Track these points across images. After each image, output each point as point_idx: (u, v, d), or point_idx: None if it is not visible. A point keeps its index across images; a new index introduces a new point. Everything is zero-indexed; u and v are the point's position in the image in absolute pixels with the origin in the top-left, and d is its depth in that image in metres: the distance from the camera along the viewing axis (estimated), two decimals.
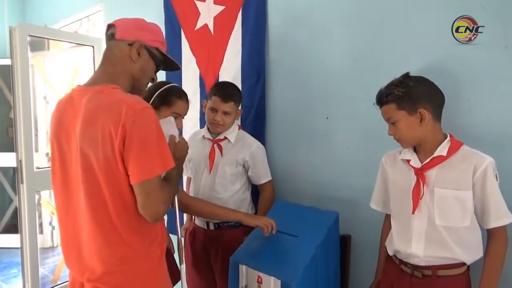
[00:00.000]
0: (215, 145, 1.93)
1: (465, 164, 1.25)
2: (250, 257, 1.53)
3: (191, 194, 2.00)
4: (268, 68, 2.10)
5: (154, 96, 1.51)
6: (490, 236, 1.28)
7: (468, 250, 1.29)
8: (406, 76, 1.31)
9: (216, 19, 2.28)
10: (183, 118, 1.62)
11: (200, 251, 1.97)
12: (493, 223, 1.24)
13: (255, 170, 1.94)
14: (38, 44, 3.71)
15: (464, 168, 1.25)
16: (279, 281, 1.38)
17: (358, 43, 1.75)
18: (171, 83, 1.62)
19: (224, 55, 2.26)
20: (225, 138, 1.93)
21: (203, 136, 1.98)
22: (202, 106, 2.04)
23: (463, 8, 1.43)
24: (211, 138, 1.95)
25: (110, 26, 1.25)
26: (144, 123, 1.09)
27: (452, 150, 1.28)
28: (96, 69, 1.26)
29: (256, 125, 2.11)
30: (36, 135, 3.80)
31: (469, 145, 1.31)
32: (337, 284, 1.70)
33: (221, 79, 2.27)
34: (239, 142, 1.94)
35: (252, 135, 2.02)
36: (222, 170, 1.90)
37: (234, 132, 1.95)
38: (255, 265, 1.48)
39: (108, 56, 1.23)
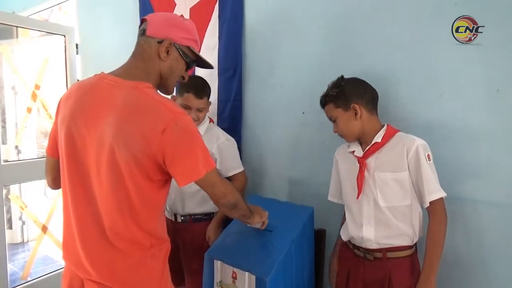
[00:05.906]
0: None
1: (398, 147, 1.38)
2: (225, 252, 1.52)
3: None
4: (245, 61, 2.08)
5: None
6: (429, 215, 1.38)
7: (413, 227, 1.39)
8: (340, 78, 1.47)
9: (193, 10, 2.24)
10: None
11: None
12: (427, 199, 1.34)
13: (223, 163, 1.89)
14: (5, 32, 3.56)
15: (398, 151, 1.37)
16: (253, 276, 1.38)
17: (336, 39, 1.75)
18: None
19: (200, 48, 2.23)
20: None
21: None
22: None
23: (437, 3, 1.46)
24: None
25: (143, 21, 1.21)
26: (186, 126, 1.08)
27: (387, 137, 1.40)
28: (127, 60, 1.20)
29: (232, 119, 2.09)
30: (4, 126, 3.67)
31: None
32: (312, 278, 1.71)
33: (197, 72, 2.23)
34: (206, 134, 1.89)
35: (228, 129, 1.99)
36: None
37: (205, 124, 1.91)
38: (230, 260, 1.47)
39: (139, 52, 1.19)
